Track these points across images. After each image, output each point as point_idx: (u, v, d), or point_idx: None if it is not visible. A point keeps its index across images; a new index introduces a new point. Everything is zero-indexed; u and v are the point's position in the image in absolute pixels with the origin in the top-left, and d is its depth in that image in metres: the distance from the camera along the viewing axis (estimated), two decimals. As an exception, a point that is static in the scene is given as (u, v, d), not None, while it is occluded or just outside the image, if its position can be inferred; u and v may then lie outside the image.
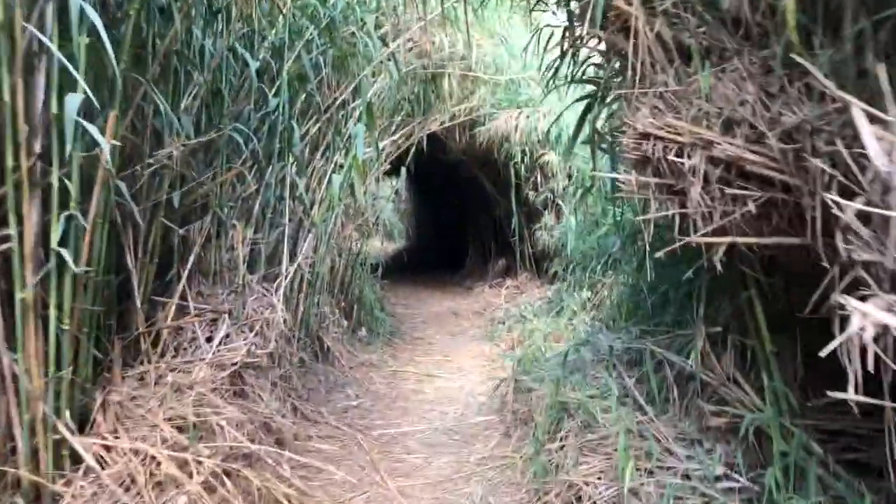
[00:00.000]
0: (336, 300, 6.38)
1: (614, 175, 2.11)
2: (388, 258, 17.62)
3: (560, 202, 8.84)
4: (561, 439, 3.16)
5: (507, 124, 7.90)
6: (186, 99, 3.66)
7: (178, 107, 3.61)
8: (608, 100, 2.94)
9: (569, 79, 3.17)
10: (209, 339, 3.60)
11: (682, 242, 1.95)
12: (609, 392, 3.33)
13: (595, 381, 3.58)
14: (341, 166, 4.66)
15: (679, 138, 1.89)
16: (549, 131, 7.93)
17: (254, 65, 3.69)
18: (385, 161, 7.30)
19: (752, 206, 1.85)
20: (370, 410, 4.64)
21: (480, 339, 7.10)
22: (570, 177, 8.90)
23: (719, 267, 1.92)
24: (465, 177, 10.55)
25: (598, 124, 3.29)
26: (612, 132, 3.15)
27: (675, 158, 1.90)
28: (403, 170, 6.24)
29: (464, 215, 11.90)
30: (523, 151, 8.83)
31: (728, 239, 1.89)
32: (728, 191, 1.82)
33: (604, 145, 3.58)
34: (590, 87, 3.42)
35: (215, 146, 3.75)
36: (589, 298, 6.29)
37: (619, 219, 4.32)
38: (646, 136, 1.96)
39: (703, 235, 1.92)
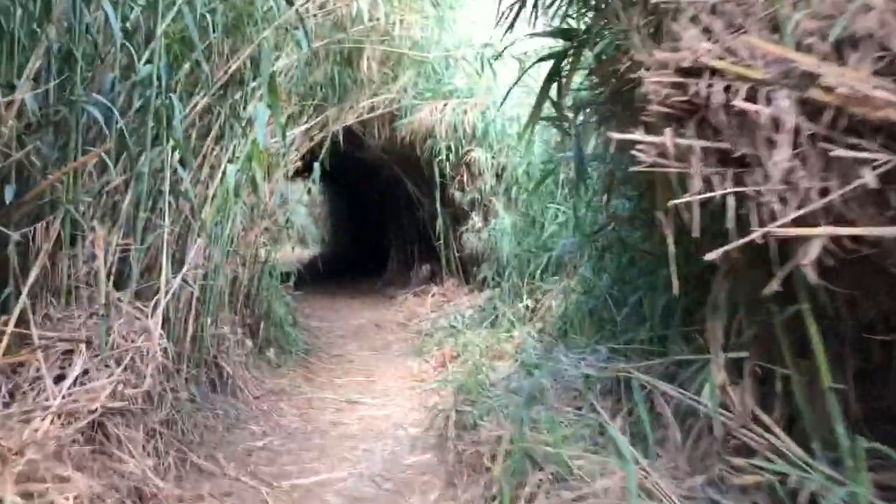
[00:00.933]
0: (239, 317, 5.50)
1: (636, 137, 1.41)
2: (302, 266, 16.63)
3: (492, 201, 8.18)
4: (528, 499, 2.43)
5: (432, 117, 7.17)
6: (32, 63, 2.78)
7: (16, 72, 2.75)
8: (593, 49, 2.23)
9: (531, 31, 2.45)
10: (59, 379, 2.72)
11: (756, 234, 1.25)
12: (583, 433, 2.63)
13: (561, 415, 2.87)
14: (239, 157, 3.82)
15: (752, 73, 1.20)
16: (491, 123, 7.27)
17: (116, 19, 2.83)
18: (296, 157, 6.46)
19: (869, 178, 1.16)
20: (280, 452, 3.81)
21: (407, 355, 6.34)
22: (498, 175, 8.27)
23: (814, 278, 1.22)
24: (386, 176, 9.77)
25: (566, 97, 2.59)
26: (584, 104, 2.44)
27: (747, 105, 1.20)
28: (317, 166, 5.40)
29: (384, 218, 11.11)
30: (448, 148, 8.14)
31: (831, 230, 1.20)
32: (843, 153, 1.13)
33: (565, 123, 2.89)
34: (550, 53, 2.73)
35: (68, 125, 2.87)
36: (528, 307, 5.61)
37: (578, 214, 3.64)
38: (692, 71, 1.27)
39: (787, 225, 1.22)
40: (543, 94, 2.49)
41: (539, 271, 5.64)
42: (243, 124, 3.82)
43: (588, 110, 2.81)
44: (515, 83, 3.17)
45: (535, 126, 2.83)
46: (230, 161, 3.63)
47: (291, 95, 4.85)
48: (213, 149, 3.61)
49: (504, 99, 4.25)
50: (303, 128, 5.44)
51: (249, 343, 5.01)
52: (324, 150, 5.57)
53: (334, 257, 15.62)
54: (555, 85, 2.60)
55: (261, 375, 5.06)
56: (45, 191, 2.83)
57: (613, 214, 3.39)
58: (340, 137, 6.12)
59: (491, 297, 7.04)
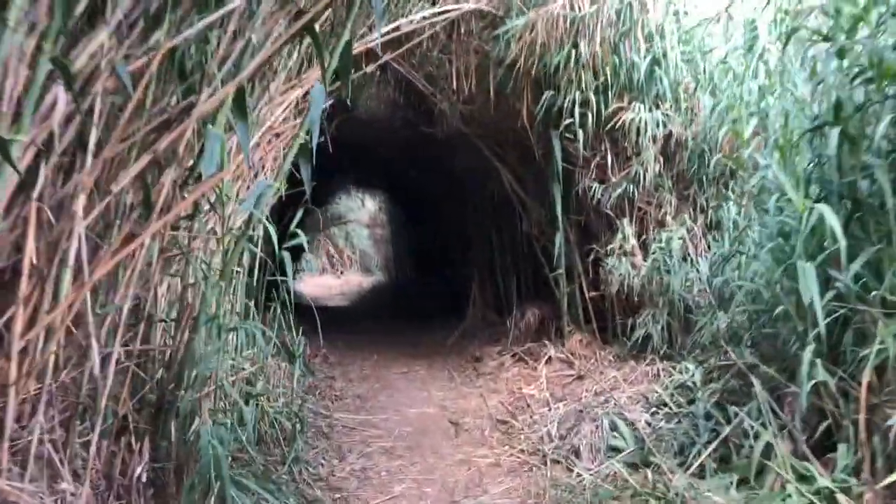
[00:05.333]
0: (119, 468, 2.16)
1: None
2: (354, 300, 13.23)
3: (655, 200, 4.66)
4: None
5: (572, 14, 3.63)
6: None
7: None
8: None
9: None
10: None
11: None
12: None
13: None
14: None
15: None
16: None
17: None
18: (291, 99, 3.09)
19: None
20: None
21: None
22: (666, 155, 4.72)
23: None
24: (467, 165, 6.27)
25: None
26: None
27: None
28: (318, 90, 1.97)
29: (464, 233, 7.54)
30: (584, 102, 4.63)
31: None
32: None
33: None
34: None
35: None
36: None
37: None
38: None
39: None
40: None
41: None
42: None
43: None
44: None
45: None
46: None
47: None
48: None
49: None
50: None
51: None
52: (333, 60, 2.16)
53: (396, 290, 12.23)
54: None
55: None
56: None
57: None
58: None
59: (696, 390, 3.47)
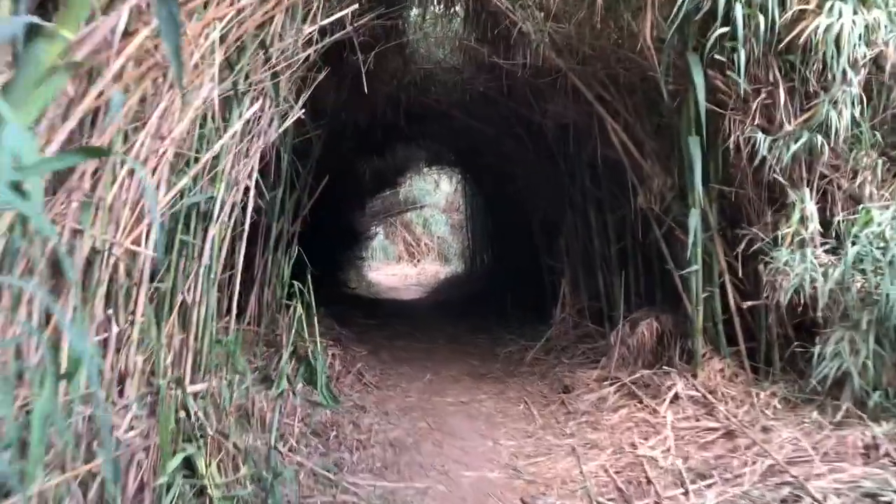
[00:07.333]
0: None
1: None
2: (426, 292, 11.80)
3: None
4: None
5: None
6: None
7: None
8: None
9: None
10: None
11: None
12: None
13: None
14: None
15: None
16: None
17: None
18: None
19: None
20: None
21: None
22: (869, 93, 3.03)
23: None
24: (560, 122, 4.62)
25: None
26: None
27: None
28: None
29: (556, 212, 5.84)
30: (747, 2, 2.97)
31: None
32: None
33: None
34: None
35: None
36: None
37: None
38: None
39: None
40: None
41: None
42: None
43: None
44: None
45: None
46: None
47: None
48: None
49: None
50: None
51: None
52: None
53: (471, 283, 10.70)
54: None
55: None
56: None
57: None
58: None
59: None
